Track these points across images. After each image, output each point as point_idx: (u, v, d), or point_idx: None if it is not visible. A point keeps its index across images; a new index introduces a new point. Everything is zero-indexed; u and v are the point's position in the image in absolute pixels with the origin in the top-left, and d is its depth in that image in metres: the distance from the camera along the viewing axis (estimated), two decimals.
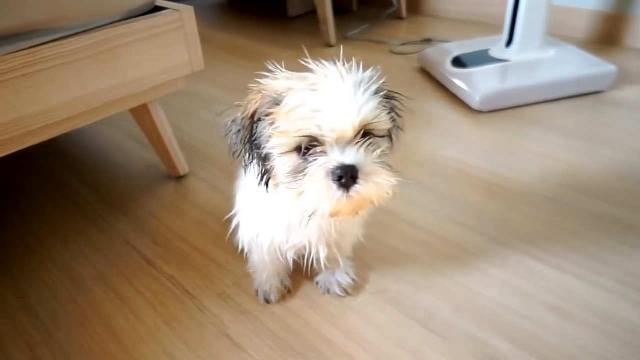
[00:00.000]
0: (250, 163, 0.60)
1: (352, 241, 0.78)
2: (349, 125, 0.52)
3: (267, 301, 0.81)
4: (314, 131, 0.52)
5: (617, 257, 0.85)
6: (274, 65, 0.58)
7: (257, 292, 0.82)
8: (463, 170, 1.12)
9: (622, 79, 1.43)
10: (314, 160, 0.53)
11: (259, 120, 0.57)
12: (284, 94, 0.55)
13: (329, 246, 0.71)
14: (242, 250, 0.88)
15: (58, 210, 1.07)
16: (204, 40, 1.01)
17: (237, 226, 0.75)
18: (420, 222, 0.97)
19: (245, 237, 0.74)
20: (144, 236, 0.98)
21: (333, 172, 0.52)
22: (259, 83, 0.59)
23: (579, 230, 0.92)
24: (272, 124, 0.55)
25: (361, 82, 0.55)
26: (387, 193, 0.55)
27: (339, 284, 0.82)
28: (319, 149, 0.53)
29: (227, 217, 0.76)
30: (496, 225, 0.94)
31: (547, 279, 0.82)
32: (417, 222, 0.97)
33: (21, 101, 0.78)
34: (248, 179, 0.69)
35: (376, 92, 0.56)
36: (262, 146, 0.57)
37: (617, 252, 0.86)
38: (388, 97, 0.59)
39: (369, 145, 0.55)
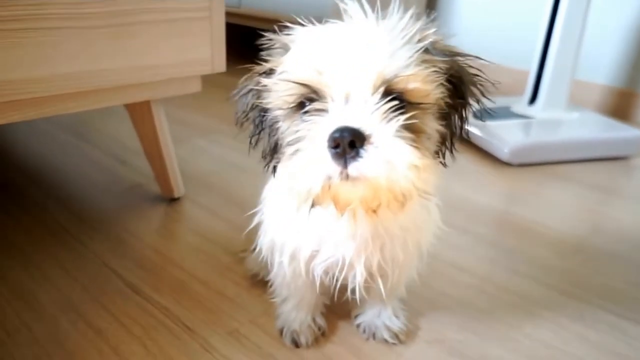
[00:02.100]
0: (259, 134, 0.50)
1: (403, 274, 0.65)
2: (363, 76, 0.41)
3: (296, 344, 0.65)
4: (311, 78, 0.42)
5: None
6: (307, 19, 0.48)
7: (282, 331, 0.67)
8: (504, 218, 1.04)
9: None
10: (309, 120, 0.42)
11: (269, 74, 0.48)
12: (294, 41, 0.46)
13: (369, 271, 0.57)
14: (259, 280, 0.76)
15: (19, 228, 0.90)
16: None
17: (257, 230, 0.63)
18: (469, 267, 0.86)
19: (264, 242, 0.61)
20: (127, 259, 0.82)
21: (329, 136, 0.39)
22: (272, 36, 0.49)
23: None
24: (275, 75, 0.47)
25: (392, 28, 0.44)
26: (413, 182, 0.41)
27: (388, 328, 0.68)
28: (317, 106, 0.42)
29: (251, 212, 0.63)
30: (556, 276, 0.85)
31: (635, 336, 0.72)
32: (465, 266, 0.86)
33: (12, 60, 0.66)
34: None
35: (419, 43, 0.44)
36: (268, 109, 0.48)
37: None
38: (444, 55, 0.46)
39: (392, 109, 0.41)
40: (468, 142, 1.45)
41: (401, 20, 0.45)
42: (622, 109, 1.80)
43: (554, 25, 1.40)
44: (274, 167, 0.51)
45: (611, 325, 0.74)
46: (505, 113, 1.48)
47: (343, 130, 0.39)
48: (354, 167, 0.39)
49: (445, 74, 0.46)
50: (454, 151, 0.53)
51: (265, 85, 0.47)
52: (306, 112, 0.43)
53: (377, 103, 0.41)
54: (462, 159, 1.35)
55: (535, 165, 1.32)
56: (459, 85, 0.48)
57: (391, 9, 0.46)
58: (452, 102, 0.48)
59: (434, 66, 0.45)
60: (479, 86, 0.50)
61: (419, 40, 0.45)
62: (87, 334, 0.66)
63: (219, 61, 0.91)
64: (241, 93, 0.52)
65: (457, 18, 2.13)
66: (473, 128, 1.41)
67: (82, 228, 0.90)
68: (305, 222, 0.55)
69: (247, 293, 0.75)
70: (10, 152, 1.23)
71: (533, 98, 1.49)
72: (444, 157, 0.52)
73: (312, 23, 0.48)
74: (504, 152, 1.30)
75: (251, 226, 0.64)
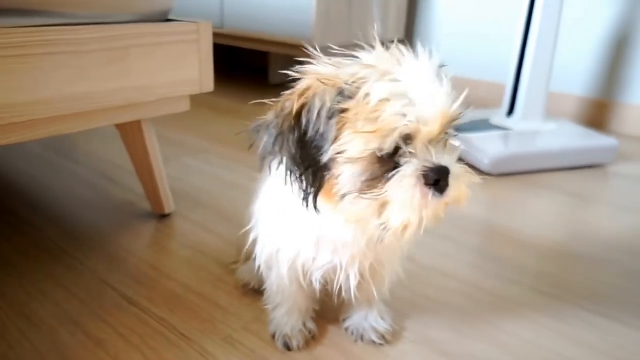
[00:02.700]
0: (299, 175, 0.52)
1: (389, 274, 0.71)
2: (440, 120, 0.49)
3: (288, 347, 0.70)
4: (409, 128, 0.48)
5: None
6: (312, 49, 0.54)
7: (274, 336, 0.72)
8: (486, 226, 1.10)
9: (618, 157, 1.54)
10: (403, 162, 0.50)
11: (329, 117, 0.50)
12: (355, 84, 0.50)
13: (362, 274, 0.64)
14: (250, 290, 0.80)
15: (14, 247, 0.93)
16: None
17: (253, 244, 0.68)
18: (451, 271, 0.92)
19: (263, 253, 0.66)
20: (122, 274, 0.86)
21: (427, 176, 0.49)
22: (303, 72, 0.53)
23: (629, 286, 0.90)
24: (343, 122, 0.49)
25: (438, 68, 0.52)
26: (469, 194, 0.54)
27: (375, 330, 0.73)
28: (409, 149, 0.50)
29: (243, 231, 0.69)
30: (537, 278, 0.91)
31: (611, 331, 0.77)
32: (449, 272, 0.91)
33: (11, 85, 0.71)
34: (270, 183, 0.63)
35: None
36: (323, 151, 0.50)
37: None
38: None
39: (448, 142, 0.53)
40: None
41: (437, 61, 0.52)
42: (598, 119, 1.90)
43: (527, 39, 1.49)
44: (315, 199, 0.52)
45: (587, 321, 0.79)
46: (485, 125, 1.56)
47: (440, 169, 0.49)
48: (446, 196, 0.50)
49: None
50: None
51: (327, 129, 0.49)
52: (396, 154, 0.50)
53: (446, 140, 0.52)
54: None
55: (515, 175, 1.39)
56: None
57: (425, 55, 0.52)
58: None
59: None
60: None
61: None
62: (87, 345, 0.69)
63: (207, 81, 0.96)
64: (268, 133, 0.53)
65: (436, 34, 2.23)
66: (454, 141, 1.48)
67: (76, 246, 0.94)
68: (304, 232, 0.60)
69: (238, 302, 0.80)
70: (0, 174, 1.26)
71: (511, 110, 1.57)
72: None
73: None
74: (484, 163, 1.37)
75: (249, 243, 0.69)
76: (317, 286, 0.65)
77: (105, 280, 0.84)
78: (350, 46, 0.53)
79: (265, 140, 0.53)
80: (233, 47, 2.23)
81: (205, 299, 0.80)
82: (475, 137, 1.47)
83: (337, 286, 0.64)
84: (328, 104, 0.50)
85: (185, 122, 1.71)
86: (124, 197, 1.15)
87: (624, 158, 1.55)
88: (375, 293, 0.69)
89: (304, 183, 0.52)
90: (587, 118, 1.92)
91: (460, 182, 0.52)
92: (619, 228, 1.12)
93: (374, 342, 0.72)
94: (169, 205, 1.06)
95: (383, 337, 0.73)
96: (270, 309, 0.73)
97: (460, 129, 1.42)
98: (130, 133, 0.99)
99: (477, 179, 0.53)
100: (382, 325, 0.74)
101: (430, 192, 0.50)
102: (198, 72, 0.95)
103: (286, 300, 0.70)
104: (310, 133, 0.50)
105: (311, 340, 0.72)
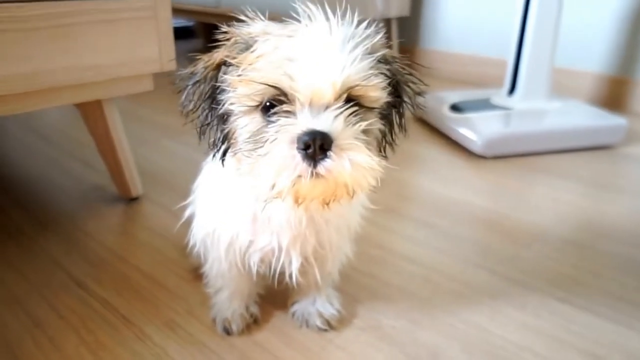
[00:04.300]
0: (207, 125, 0.55)
1: (337, 257, 0.71)
2: (327, 83, 0.47)
3: (227, 331, 0.71)
4: (282, 82, 0.48)
5: None
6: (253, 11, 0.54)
7: (214, 320, 0.73)
8: (467, 210, 1.08)
9: (631, 137, 1.48)
10: (277, 120, 0.48)
11: (224, 66, 0.52)
12: (256, 38, 0.51)
13: (305, 256, 0.64)
14: (199, 275, 0.81)
15: None
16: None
17: (190, 221, 0.69)
18: (419, 257, 0.91)
19: (199, 232, 0.67)
20: (76, 255, 0.89)
21: (299, 138, 0.46)
22: (231, 29, 0.54)
23: (604, 272, 0.87)
24: (237, 72, 0.50)
25: (352, 36, 0.50)
26: (368, 180, 0.49)
27: (320, 315, 0.73)
28: (285, 108, 0.48)
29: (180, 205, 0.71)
30: (509, 265, 0.89)
31: (575, 321, 0.75)
32: (415, 257, 0.91)
33: None
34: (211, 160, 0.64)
35: (371, 53, 0.51)
36: (223, 101, 0.52)
37: None
38: (386, 62, 0.54)
39: (351, 114, 0.49)
40: (443, 136, 1.50)
41: (358, 29, 0.51)
42: (616, 98, 1.82)
43: (528, 12, 1.44)
44: (223, 156, 0.55)
45: (553, 311, 0.78)
46: (484, 105, 1.52)
47: (314, 134, 0.46)
48: (322, 167, 0.46)
49: (388, 77, 0.53)
50: (394, 145, 0.58)
51: (224, 80, 0.52)
52: (274, 112, 0.49)
53: (340, 108, 0.48)
54: (437, 153, 1.40)
55: (513, 158, 1.36)
56: (397, 87, 0.55)
57: (348, 17, 0.52)
58: (392, 101, 0.55)
59: (382, 73, 0.52)
60: (412, 86, 0.57)
61: (372, 50, 0.51)
62: (26, 325, 0.72)
63: (167, 59, 0.97)
64: (191, 82, 0.56)
65: (442, 10, 2.18)
66: (450, 122, 1.45)
67: (36, 227, 0.97)
68: (242, 212, 0.61)
69: (188, 285, 0.81)
70: None
71: (512, 88, 1.53)
72: (384, 151, 0.58)
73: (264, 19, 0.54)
74: (477, 145, 1.34)
75: (184, 219, 0.70)
76: (254, 269, 0.65)
77: (58, 262, 0.87)
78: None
79: (188, 88, 0.55)
80: None
81: (154, 282, 0.82)
82: (472, 117, 1.44)
83: (277, 270, 0.64)
84: (227, 56, 0.52)
85: (170, 104, 1.73)
86: (96, 181, 1.18)
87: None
88: (318, 277, 0.68)
89: (211, 135, 0.53)
90: (605, 97, 1.85)
91: (346, 158, 0.47)
92: (616, 213, 1.08)
93: (318, 327, 0.72)
94: (136, 189, 1.08)
95: (328, 322, 0.73)
96: (211, 292, 0.74)
97: (458, 109, 1.40)
98: (91, 114, 1.01)
99: (375, 163, 0.48)
100: (329, 310, 0.74)
101: (297, 157, 0.46)
102: (157, 49, 0.96)
103: (227, 285, 0.71)
104: (218, 83, 0.53)
105: (253, 324, 0.73)
